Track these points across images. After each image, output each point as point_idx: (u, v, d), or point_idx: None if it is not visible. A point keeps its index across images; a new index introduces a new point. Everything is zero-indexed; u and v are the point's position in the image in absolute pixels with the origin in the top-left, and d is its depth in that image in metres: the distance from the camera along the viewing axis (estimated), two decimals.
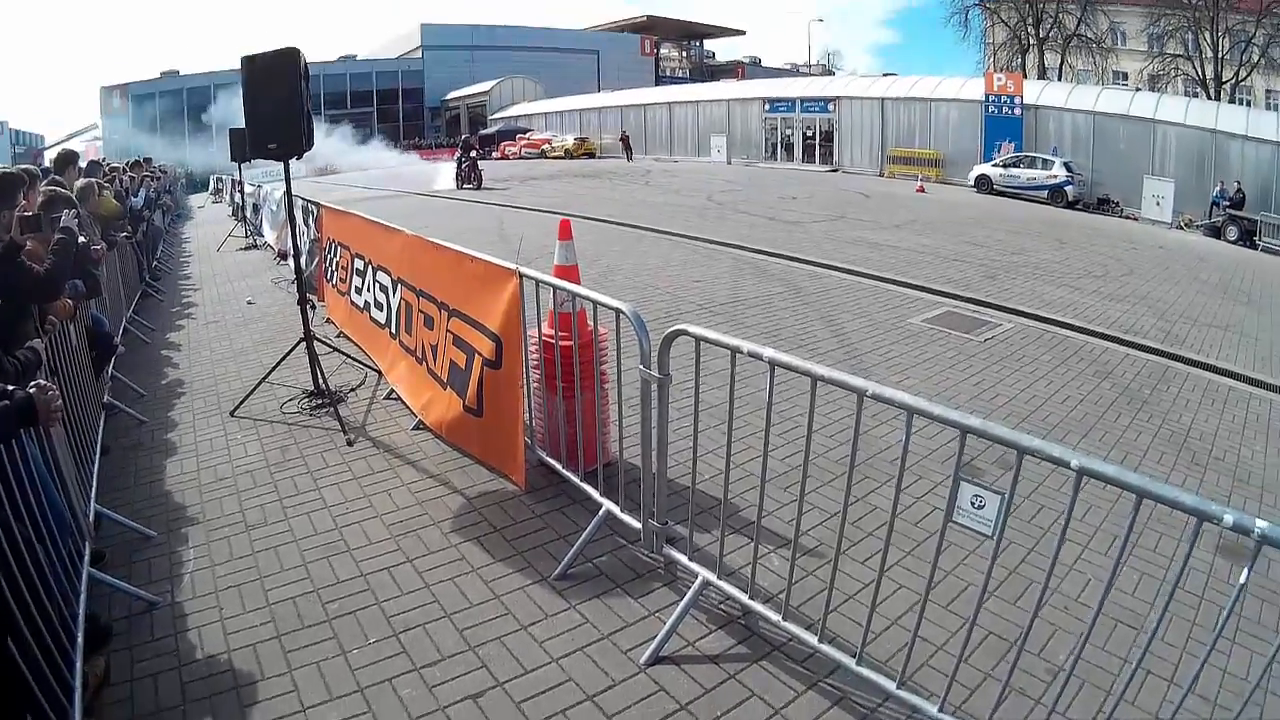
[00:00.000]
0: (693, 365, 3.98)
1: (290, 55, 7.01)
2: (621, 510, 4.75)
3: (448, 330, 6.09)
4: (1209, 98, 45.66)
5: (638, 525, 4.62)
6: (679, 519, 4.84)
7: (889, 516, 3.30)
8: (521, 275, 5.13)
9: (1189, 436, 7.10)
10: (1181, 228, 28.17)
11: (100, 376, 7.18)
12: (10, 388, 3.46)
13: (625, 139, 54.29)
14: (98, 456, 5.93)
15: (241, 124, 7.66)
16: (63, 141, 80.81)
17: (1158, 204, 29.27)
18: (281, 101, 6.99)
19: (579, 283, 5.57)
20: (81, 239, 5.97)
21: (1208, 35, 48.56)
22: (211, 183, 40.29)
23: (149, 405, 7.96)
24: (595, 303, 4.65)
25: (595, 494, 4.96)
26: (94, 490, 5.36)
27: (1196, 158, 30.52)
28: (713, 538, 4.74)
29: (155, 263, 16.51)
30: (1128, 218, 29.75)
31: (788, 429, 6.35)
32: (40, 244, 5.28)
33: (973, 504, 2.89)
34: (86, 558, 4.40)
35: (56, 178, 8.33)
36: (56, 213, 5.52)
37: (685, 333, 3.91)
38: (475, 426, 5.78)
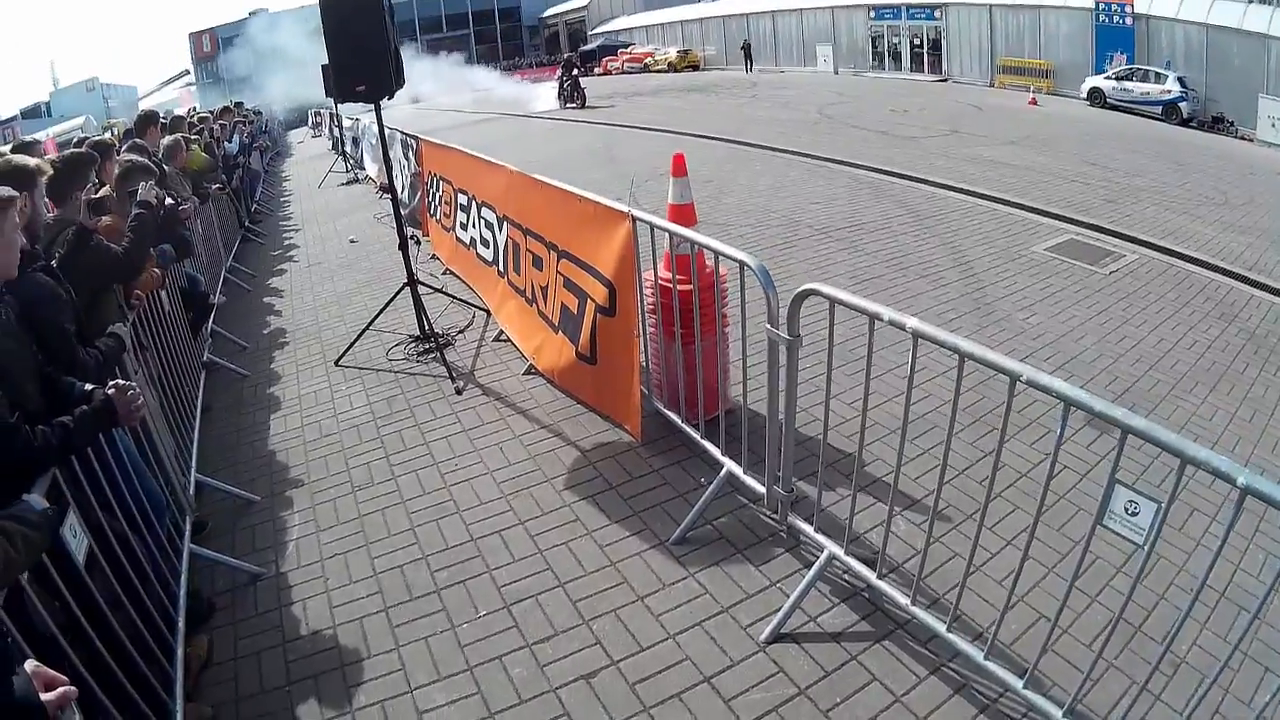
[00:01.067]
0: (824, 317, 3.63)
1: None
2: (745, 472, 4.46)
3: (558, 272, 5.87)
4: None
5: (761, 490, 4.34)
6: (803, 474, 4.59)
7: (1033, 517, 2.98)
8: (635, 219, 4.84)
9: None
10: None
11: (198, 336, 7.18)
12: (90, 388, 3.33)
13: (747, 48, 52.07)
14: (198, 421, 5.93)
15: None
16: (154, 91, 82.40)
17: (1274, 125, 27.45)
18: (365, 40, 6.74)
19: (695, 221, 5.31)
20: (170, 199, 5.83)
21: None
22: (310, 117, 40.50)
23: (251, 358, 7.97)
24: (717, 253, 4.33)
25: (717, 452, 4.70)
26: (194, 459, 5.32)
27: None
28: (838, 496, 4.49)
29: (255, 205, 16.63)
30: (1243, 138, 28.10)
31: (925, 401, 5.76)
32: (119, 219, 5.15)
33: (1126, 509, 2.58)
34: (188, 534, 4.37)
35: (138, 141, 8.23)
36: (133, 185, 5.35)
37: (818, 293, 3.55)
38: (589, 374, 5.58)
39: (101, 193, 5.62)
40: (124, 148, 7.54)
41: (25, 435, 2.86)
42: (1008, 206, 11.89)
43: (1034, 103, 29.63)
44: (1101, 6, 35.04)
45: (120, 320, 4.42)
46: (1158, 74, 30.54)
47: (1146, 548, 2.52)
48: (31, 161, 4.09)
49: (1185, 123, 28.99)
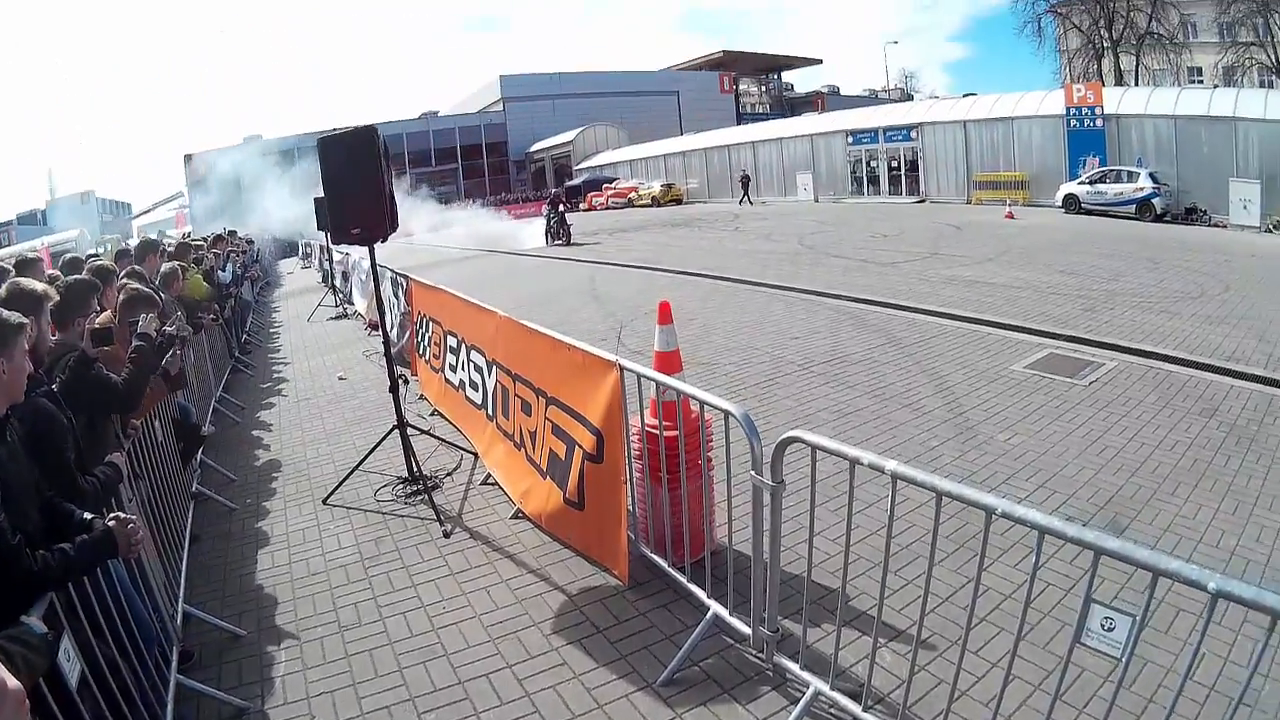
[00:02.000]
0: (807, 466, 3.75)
1: (367, 135, 6.92)
2: (730, 614, 4.54)
3: (546, 418, 5.98)
4: None
5: (747, 630, 4.42)
6: (788, 612, 4.64)
7: (1013, 640, 3.12)
8: (623, 369, 4.98)
9: None
10: (1271, 230, 27.15)
11: (188, 466, 7.20)
12: (89, 516, 3.41)
13: (745, 180, 52.24)
14: (186, 551, 5.95)
15: None
16: (149, 210, 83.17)
17: (1245, 208, 28.32)
18: (362, 182, 6.89)
19: (681, 368, 5.47)
20: (169, 328, 5.93)
21: (1277, 18, 48.31)
22: (300, 248, 40.91)
23: (239, 491, 7.98)
24: (702, 402, 4.48)
25: (703, 595, 4.78)
26: (182, 588, 5.36)
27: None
28: (823, 632, 4.54)
29: (245, 336, 16.76)
30: (1216, 225, 28.94)
31: (908, 532, 5.81)
32: (120, 348, 5.25)
33: (1103, 626, 2.71)
34: (174, 663, 4.40)
35: (136, 268, 8.38)
36: (135, 315, 5.49)
37: (800, 440, 3.70)
38: (576, 519, 5.65)
39: (102, 319, 5.72)
40: (123, 273, 7.65)
41: (27, 559, 2.92)
42: (987, 326, 12.11)
43: (1011, 216, 30.22)
44: (1071, 111, 35.98)
45: (117, 449, 4.51)
46: (1129, 173, 31.38)
47: (1124, 661, 2.64)
48: (39, 286, 4.24)
49: (1159, 218, 29.78)
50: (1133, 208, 30.42)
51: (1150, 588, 2.57)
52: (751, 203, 49.46)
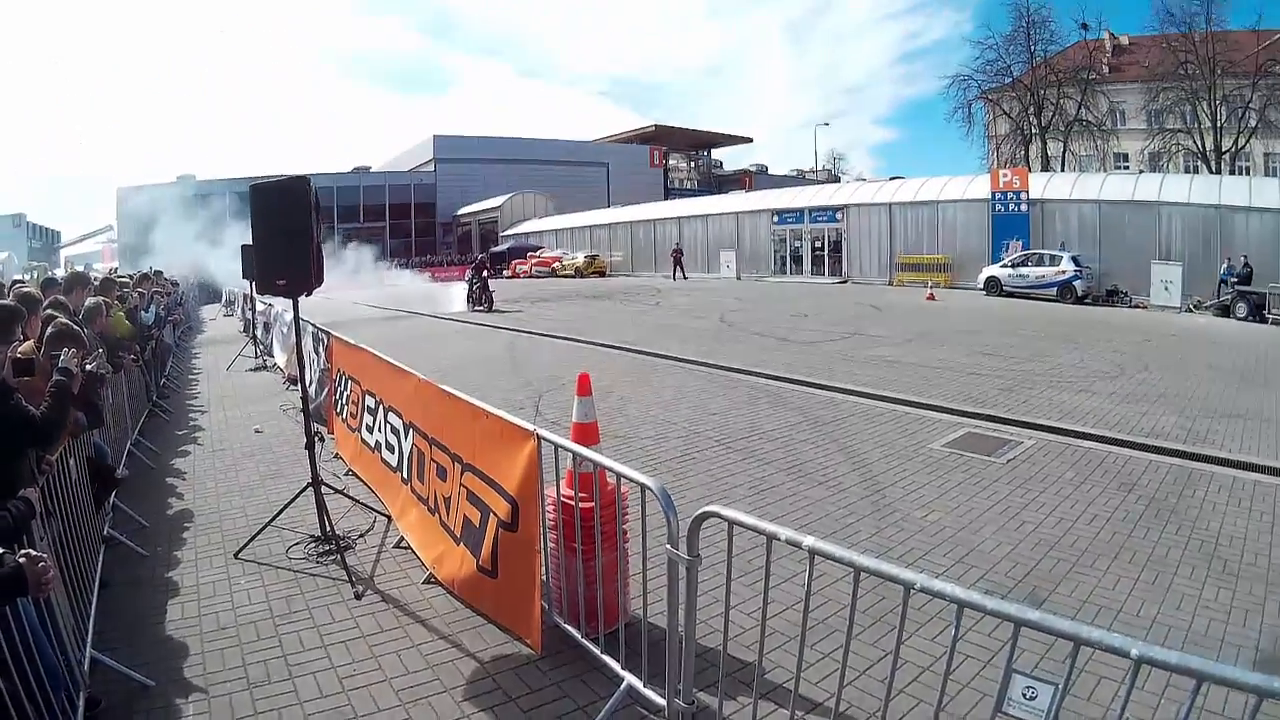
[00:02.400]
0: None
1: (300, 185, 6.89)
2: (645, 685, 4.51)
3: (461, 484, 5.93)
4: (1210, 170, 47.50)
5: (662, 702, 4.38)
6: (704, 684, 4.59)
7: (933, 711, 3.12)
8: (540, 438, 4.96)
9: (1219, 543, 6.93)
10: (1191, 310, 28.38)
11: (101, 508, 7.05)
12: (0, 552, 3.31)
13: (677, 254, 51.50)
14: (95, 596, 5.79)
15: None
16: (76, 241, 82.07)
17: (1166, 289, 29.53)
18: (291, 233, 6.86)
19: (599, 440, 5.46)
20: (90, 366, 5.82)
21: (1205, 105, 50.84)
22: (224, 295, 40.45)
23: (151, 537, 7.78)
24: (619, 475, 4.48)
25: (616, 665, 4.75)
26: (90, 633, 5.21)
27: (1203, 236, 30.90)
28: (739, 705, 4.52)
29: (164, 380, 16.47)
30: (1137, 306, 30.11)
31: (824, 606, 5.87)
32: (40, 380, 5.13)
33: (1025, 695, 2.73)
34: (80, 709, 4.28)
35: (60, 299, 8.24)
36: (57, 350, 5.36)
37: (717, 515, 3.72)
38: (489, 587, 5.57)
39: (24, 348, 5.60)
40: (46, 304, 7.49)
41: None
42: (906, 406, 12.27)
43: (932, 298, 31.05)
44: (997, 196, 37.04)
45: (30, 484, 4.39)
46: (1052, 256, 32.45)
47: None
48: None
49: (1080, 300, 30.70)
50: (1054, 290, 31.37)
51: (1071, 656, 2.61)
52: (686, 277, 49.74)
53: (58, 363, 5.15)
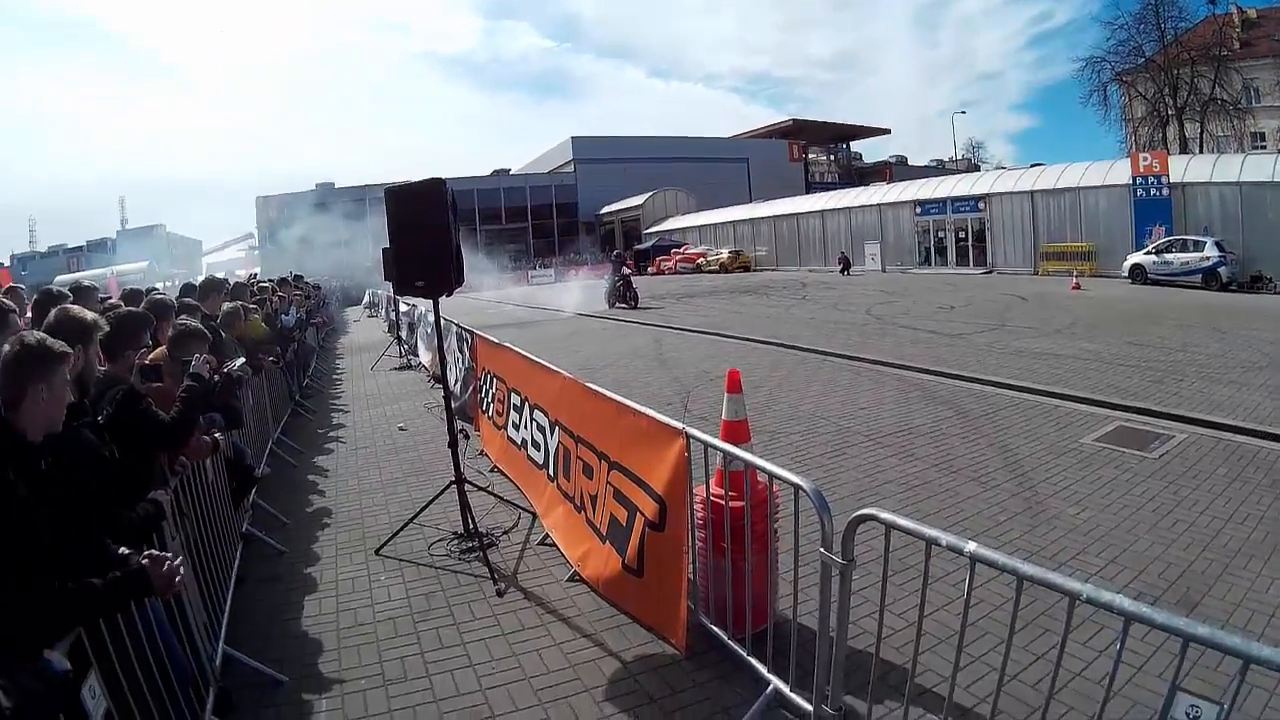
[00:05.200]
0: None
1: (435, 187, 6.97)
2: (791, 689, 4.42)
3: (608, 482, 5.92)
4: None
5: (809, 707, 4.27)
6: (851, 688, 4.45)
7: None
8: (689, 437, 4.92)
9: None
10: None
11: (239, 507, 7.21)
12: (126, 552, 3.35)
13: (844, 259, 51.51)
14: (230, 593, 5.92)
15: None
16: (218, 249, 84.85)
17: None
18: (428, 234, 6.94)
19: (749, 439, 5.38)
20: (228, 367, 5.94)
21: None
22: (366, 297, 41.39)
23: (290, 534, 7.97)
24: (770, 475, 4.42)
25: (762, 668, 4.66)
26: (224, 629, 5.33)
27: None
28: (887, 710, 4.40)
29: (307, 380, 16.96)
30: None
31: (978, 607, 5.76)
32: (171, 385, 5.25)
33: (1188, 714, 2.58)
34: (210, 706, 4.36)
35: (191, 301, 8.45)
36: (188, 353, 5.51)
37: (875, 518, 3.62)
38: (634, 586, 5.55)
39: (155, 355, 5.74)
40: (178, 308, 7.68)
41: (49, 589, 2.87)
42: (1055, 399, 11.92)
43: (1077, 287, 30.11)
44: (1138, 180, 35.87)
45: (162, 486, 4.49)
46: (1195, 242, 31.24)
47: None
48: (89, 315, 4.20)
49: (1225, 287, 29.53)
50: (1199, 277, 30.25)
51: (1240, 674, 2.45)
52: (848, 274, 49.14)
53: (188, 367, 5.29)
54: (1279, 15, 52.00)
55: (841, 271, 49.62)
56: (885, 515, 3.59)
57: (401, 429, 12.53)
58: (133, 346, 5.10)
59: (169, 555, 3.42)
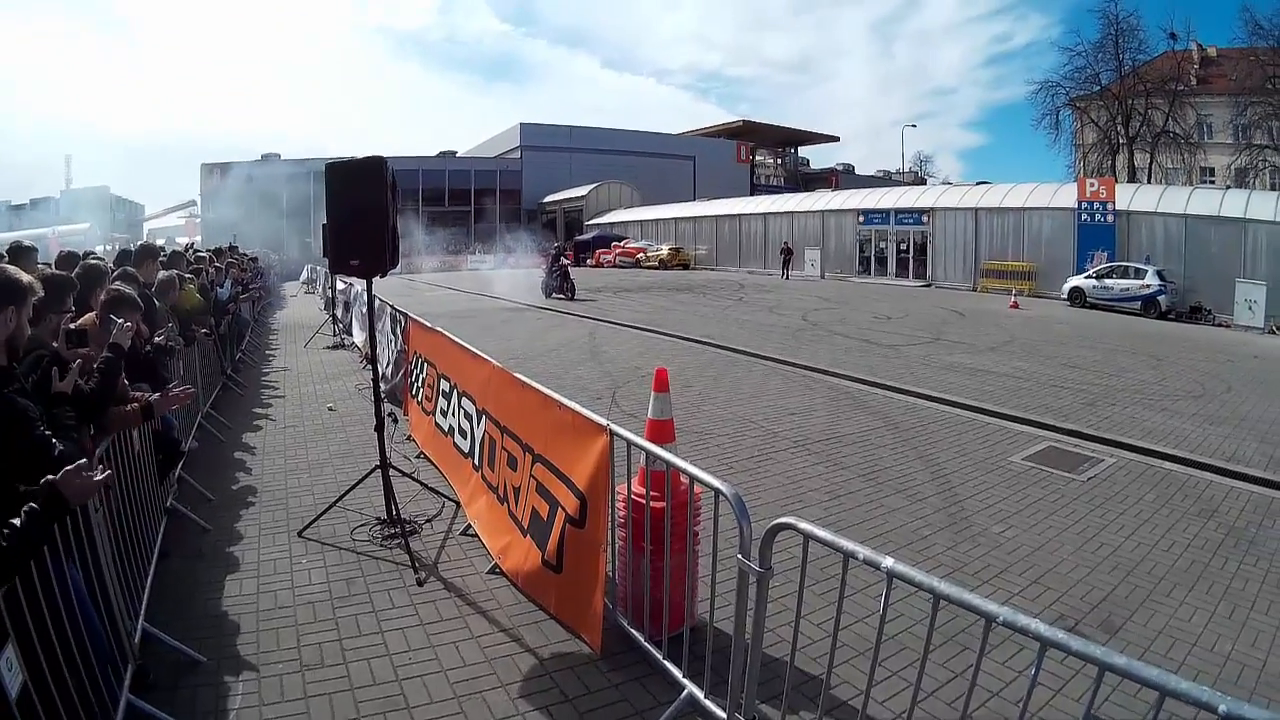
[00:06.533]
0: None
1: (376, 165, 6.84)
2: (706, 696, 4.38)
3: (531, 475, 5.85)
4: None
5: (722, 714, 4.24)
6: (766, 696, 4.47)
7: None
8: (613, 434, 4.86)
9: None
10: (1274, 332, 27.50)
11: (165, 480, 7.06)
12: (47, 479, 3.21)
13: (786, 252, 50.10)
14: (153, 568, 5.80)
15: None
16: (160, 215, 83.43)
17: (1250, 309, 28.74)
18: (365, 213, 6.80)
19: (674, 438, 5.33)
20: (159, 339, 5.79)
21: None
22: (305, 272, 40.95)
23: (215, 511, 7.82)
24: (692, 477, 4.36)
25: (678, 673, 4.62)
26: (144, 606, 5.21)
27: None
28: None
29: (239, 354, 16.72)
30: (1220, 325, 29.37)
31: (896, 621, 5.51)
32: (97, 349, 5.10)
33: None
34: (127, 682, 4.25)
35: (129, 270, 8.25)
36: (114, 316, 5.36)
37: (792, 527, 3.58)
38: (553, 582, 5.50)
39: (83, 321, 5.59)
40: (115, 276, 7.50)
41: None
42: (987, 416, 12.04)
43: (1015, 306, 30.65)
44: (1083, 205, 36.48)
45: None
46: (1137, 269, 31.85)
47: None
48: (25, 278, 4.02)
49: (1164, 315, 30.15)
50: (1138, 304, 30.85)
51: (1156, 707, 2.47)
52: (788, 277, 48.83)
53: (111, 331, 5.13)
54: (1238, 55, 52.87)
55: (784, 265, 49.58)
56: (803, 525, 3.57)
57: (331, 409, 12.38)
58: (56, 310, 4.96)
59: (83, 461, 3.26)
